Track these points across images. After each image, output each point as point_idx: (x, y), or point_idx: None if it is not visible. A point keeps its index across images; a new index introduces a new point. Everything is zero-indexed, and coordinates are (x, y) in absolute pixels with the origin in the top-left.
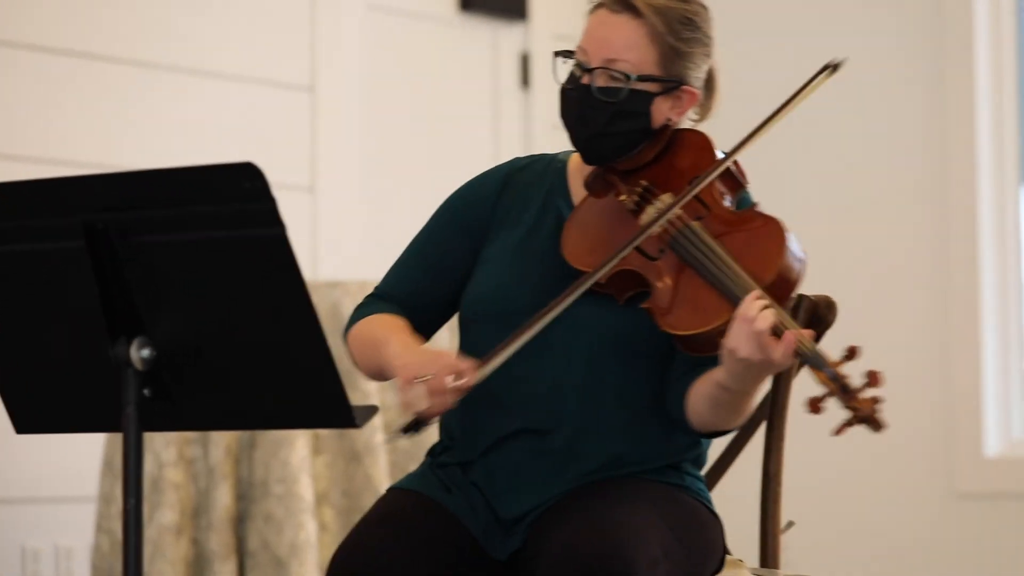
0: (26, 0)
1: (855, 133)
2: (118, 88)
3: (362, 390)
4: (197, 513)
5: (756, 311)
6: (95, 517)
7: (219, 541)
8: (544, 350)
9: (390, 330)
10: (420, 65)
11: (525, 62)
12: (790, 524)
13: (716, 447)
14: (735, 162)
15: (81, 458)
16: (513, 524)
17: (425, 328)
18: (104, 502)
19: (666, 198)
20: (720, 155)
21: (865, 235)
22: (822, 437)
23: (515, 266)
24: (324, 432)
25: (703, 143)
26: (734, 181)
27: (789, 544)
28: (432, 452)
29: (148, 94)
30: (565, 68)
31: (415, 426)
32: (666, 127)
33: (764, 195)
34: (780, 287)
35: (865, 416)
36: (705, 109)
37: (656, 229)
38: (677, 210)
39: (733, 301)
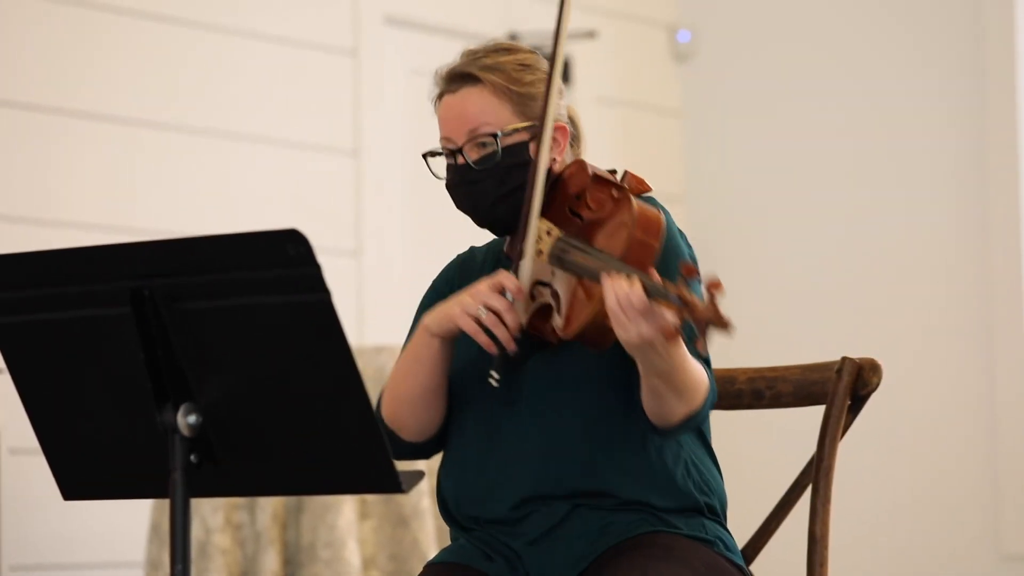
0: (75, 68)
1: (899, 191)
2: (163, 154)
3: None
4: None
5: (614, 296)
6: None
7: None
8: (516, 414)
9: (411, 340)
10: None
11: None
12: None
13: (760, 511)
14: (626, 173)
15: (128, 523)
16: None
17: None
18: (151, 568)
19: (543, 225)
20: (591, 168)
21: (910, 294)
22: (868, 499)
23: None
24: (371, 497)
25: (578, 166)
26: (610, 186)
27: None
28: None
29: (192, 160)
30: (439, 165)
31: (505, 360)
32: (551, 170)
33: (804, 258)
34: (637, 252)
35: (711, 319)
36: (578, 150)
37: (542, 258)
38: (555, 230)
39: (599, 280)
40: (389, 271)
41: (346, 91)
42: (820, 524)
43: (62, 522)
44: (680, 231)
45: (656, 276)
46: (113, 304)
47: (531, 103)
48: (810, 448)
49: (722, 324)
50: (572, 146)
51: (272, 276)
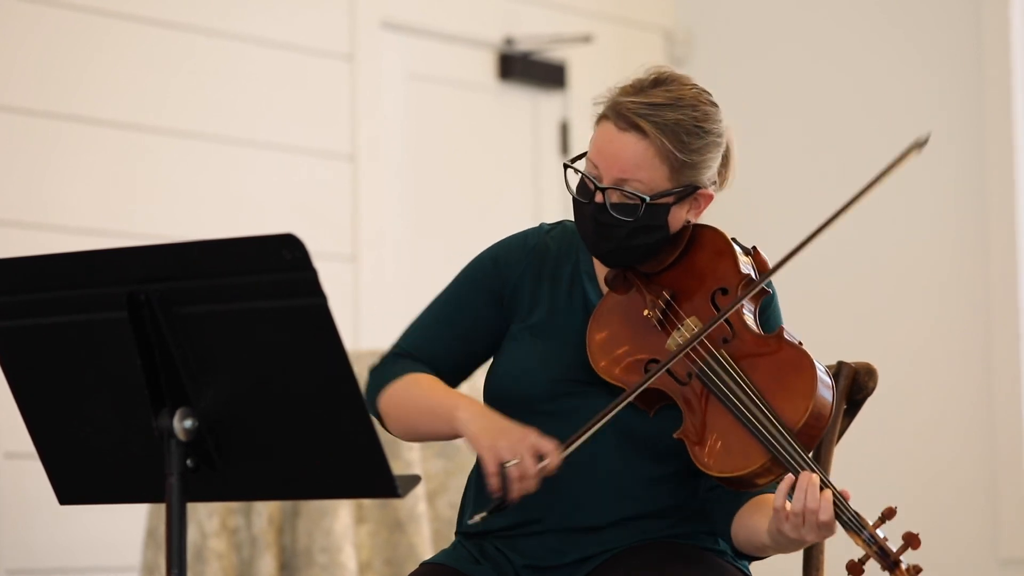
0: (72, 72)
1: (897, 197)
2: (159, 159)
3: (404, 459)
4: None
5: (804, 489)
6: None
7: None
8: (575, 463)
9: (445, 392)
10: (460, 133)
11: (565, 130)
12: None
13: None
14: (754, 265)
15: (124, 528)
16: None
17: None
18: (147, 572)
19: (691, 323)
20: (737, 249)
21: (906, 299)
22: (865, 503)
23: (540, 348)
24: (367, 501)
25: (721, 244)
26: (759, 291)
27: None
28: (458, 526)
29: (189, 164)
30: (574, 175)
31: (499, 508)
32: (684, 228)
33: (801, 262)
34: (812, 427)
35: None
36: (721, 181)
37: (679, 349)
38: (693, 321)
39: (768, 450)
40: (385, 276)
41: (343, 96)
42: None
43: (58, 526)
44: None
45: (847, 496)
46: (110, 308)
47: (689, 170)
48: None
49: None
50: (723, 168)
51: (268, 280)
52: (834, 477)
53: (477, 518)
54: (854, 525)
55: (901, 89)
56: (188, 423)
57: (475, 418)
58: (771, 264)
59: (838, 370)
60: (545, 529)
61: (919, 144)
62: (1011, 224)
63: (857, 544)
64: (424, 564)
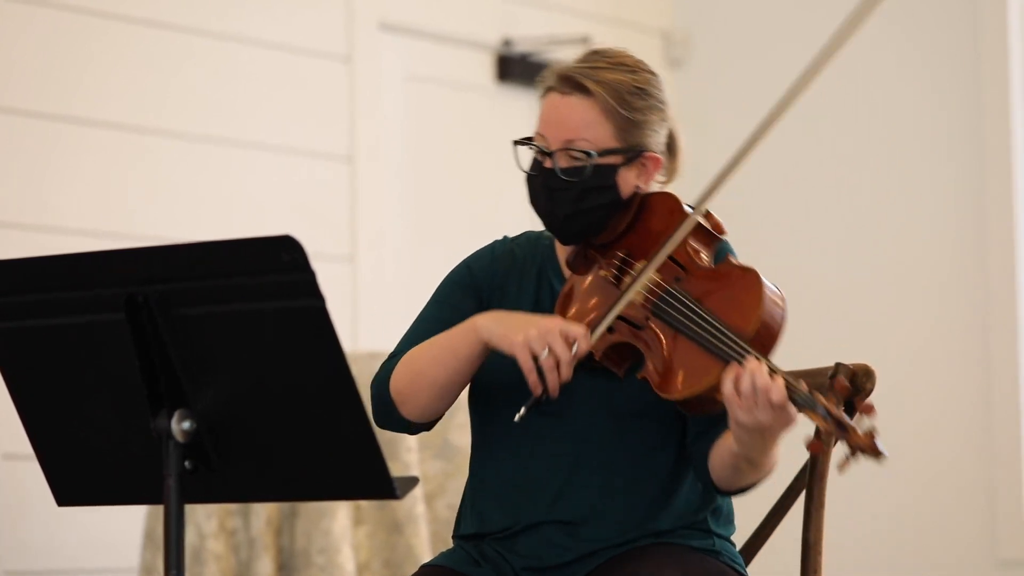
0: (70, 74)
1: (896, 199)
2: (157, 160)
3: (403, 461)
4: None
5: (752, 372)
6: None
7: None
8: (557, 431)
9: (449, 329)
10: (458, 134)
11: None
12: None
13: (755, 516)
14: (708, 214)
15: (122, 529)
16: None
17: None
18: (146, 573)
19: (640, 265)
20: (689, 210)
21: (905, 300)
22: (863, 504)
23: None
24: (365, 503)
25: (671, 204)
26: (708, 235)
27: None
28: (455, 530)
29: (187, 166)
30: (527, 155)
31: (539, 404)
32: (635, 195)
33: (799, 263)
34: (764, 336)
35: (862, 447)
36: (670, 171)
37: (637, 297)
38: (653, 275)
39: (722, 358)
40: (383, 277)
41: (341, 97)
42: (814, 530)
43: (56, 528)
44: None
45: (804, 384)
46: (108, 310)
47: (634, 129)
48: (804, 454)
49: (875, 454)
50: (671, 160)
51: (266, 282)
52: (833, 478)
53: (518, 416)
54: (807, 402)
55: (900, 90)
56: (186, 424)
57: (496, 321)
58: (719, 219)
59: (835, 371)
60: (542, 521)
61: None
62: (1009, 225)
63: (814, 421)
64: (424, 567)
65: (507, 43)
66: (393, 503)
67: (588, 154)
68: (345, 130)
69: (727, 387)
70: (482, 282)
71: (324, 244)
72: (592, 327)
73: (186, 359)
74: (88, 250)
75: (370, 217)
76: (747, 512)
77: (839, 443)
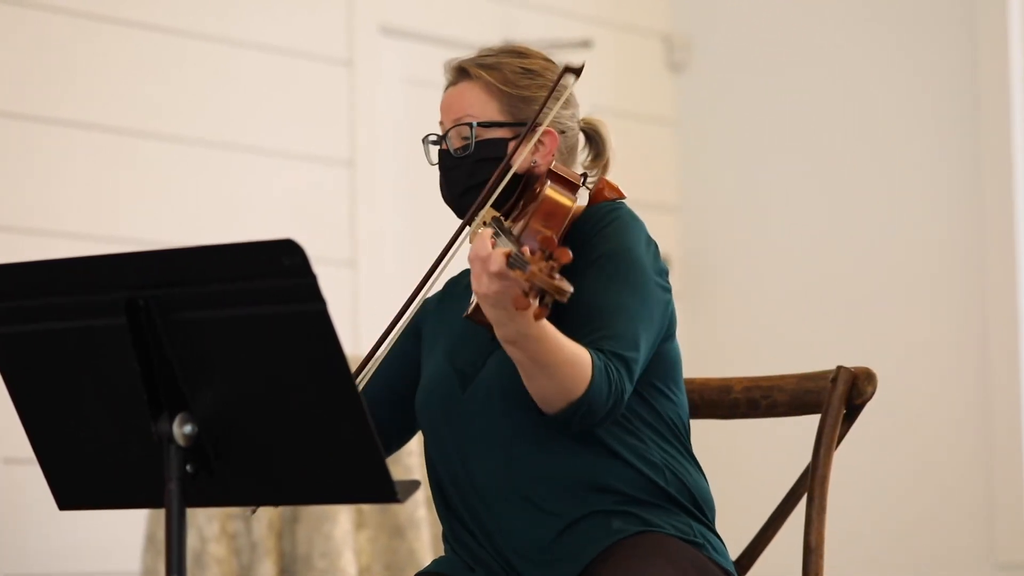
0: (69, 77)
1: (895, 201)
2: (158, 164)
3: (404, 465)
4: None
5: (473, 249)
6: None
7: None
8: (479, 410)
9: None
10: None
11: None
12: None
13: (756, 520)
14: (602, 180)
15: (124, 533)
16: None
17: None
18: None
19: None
20: (552, 170)
21: (905, 304)
22: (864, 508)
23: (451, 347)
24: (367, 507)
25: (547, 170)
26: (568, 184)
27: None
28: (444, 540)
29: (188, 170)
30: (433, 152)
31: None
32: (530, 170)
33: (800, 266)
34: (533, 233)
35: (540, 283)
36: (602, 164)
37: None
38: (489, 210)
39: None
40: (384, 281)
41: (341, 101)
42: (815, 533)
43: (58, 532)
44: (650, 239)
45: (527, 252)
46: (108, 314)
47: (522, 105)
48: (805, 457)
49: (554, 290)
50: (594, 160)
51: (268, 286)
52: (834, 481)
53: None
54: (515, 261)
55: (899, 95)
56: (187, 428)
57: None
58: (618, 192)
59: (836, 375)
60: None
61: (573, 70)
62: (1009, 229)
63: (520, 278)
64: (420, 574)
65: None
66: (395, 507)
67: (471, 126)
68: (345, 134)
69: (469, 254)
70: (425, 317)
71: (324, 248)
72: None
73: (187, 363)
74: (89, 254)
75: (370, 221)
76: (749, 515)
77: (545, 295)
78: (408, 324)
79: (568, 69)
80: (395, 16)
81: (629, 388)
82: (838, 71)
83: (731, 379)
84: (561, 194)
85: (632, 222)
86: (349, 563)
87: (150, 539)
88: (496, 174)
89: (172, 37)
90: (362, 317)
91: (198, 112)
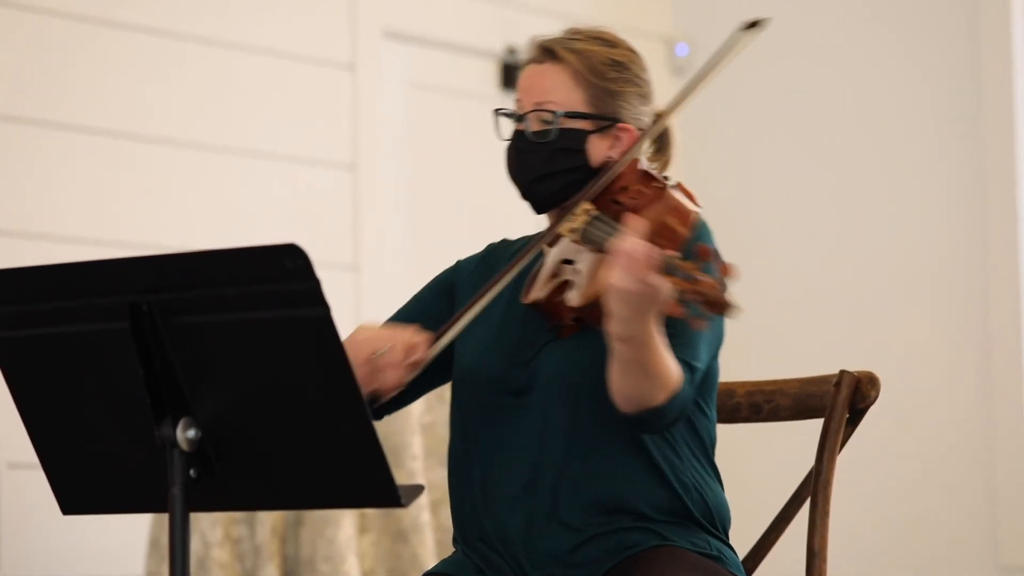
0: (70, 81)
1: (897, 203)
2: (161, 168)
3: (407, 469)
4: None
5: (628, 244)
6: None
7: None
8: (522, 405)
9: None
10: (462, 142)
11: None
12: None
13: (759, 524)
14: (679, 185)
15: (127, 538)
16: None
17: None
18: None
19: (583, 206)
20: (641, 167)
21: (908, 308)
22: (867, 512)
23: (495, 334)
24: (370, 511)
25: (631, 163)
26: (652, 179)
27: None
28: (455, 541)
29: (190, 174)
30: (508, 127)
31: (371, 402)
32: (605, 164)
33: (801, 269)
34: (663, 232)
35: (711, 298)
36: (663, 160)
37: (571, 233)
38: (586, 206)
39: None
40: (387, 285)
41: (344, 105)
42: (819, 537)
43: (61, 537)
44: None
45: (687, 264)
46: (112, 319)
47: (607, 98)
48: (808, 461)
49: (724, 305)
50: (657, 153)
51: (271, 291)
52: (836, 484)
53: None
54: (667, 266)
55: (901, 97)
56: (191, 433)
57: (361, 329)
58: (694, 200)
59: (839, 379)
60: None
61: (753, 24)
62: (1011, 232)
63: (674, 283)
64: (427, 574)
65: (511, 51)
66: (398, 511)
67: (555, 114)
68: (348, 138)
69: (618, 246)
70: (461, 278)
71: (327, 252)
72: (439, 336)
73: (190, 367)
74: (90, 259)
75: (373, 225)
76: (752, 520)
77: (701, 304)
78: (441, 282)
79: (750, 26)
80: (398, 20)
81: (692, 399)
82: (840, 73)
83: (734, 383)
84: (686, 202)
85: (712, 236)
86: (352, 567)
87: (153, 544)
88: (608, 176)
89: (176, 41)
90: (364, 321)
91: (201, 116)
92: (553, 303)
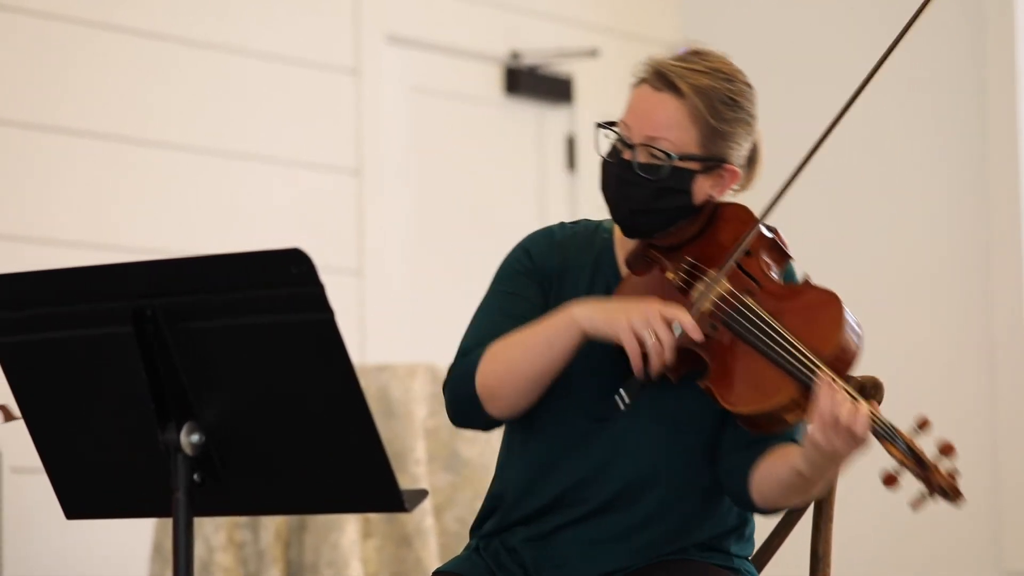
0: (71, 85)
1: (899, 206)
2: (163, 173)
3: (411, 473)
4: None
5: (838, 402)
6: None
7: None
8: (601, 431)
9: (540, 320)
10: (466, 147)
11: (571, 144)
12: None
13: (764, 528)
14: (776, 233)
15: (130, 542)
16: None
17: None
18: None
19: (714, 273)
20: (762, 228)
21: (911, 312)
22: (870, 516)
23: (587, 375)
24: (374, 516)
25: (744, 215)
26: (779, 252)
27: None
28: (475, 527)
29: (193, 178)
30: (606, 141)
31: (641, 388)
32: (707, 203)
33: (808, 271)
34: (840, 361)
35: (943, 489)
36: (746, 181)
37: (708, 305)
38: (726, 284)
39: (797, 378)
40: (391, 290)
41: (348, 110)
42: (823, 542)
43: (64, 541)
44: None
45: (879, 411)
46: (115, 323)
47: (719, 139)
48: None
49: (954, 498)
50: (748, 168)
51: (275, 295)
52: (839, 486)
53: (624, 405)
54: (887, 433)
55: (904, 99)
56: (194, 437)
57: (595, 310)
58: (786, 239)
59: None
60: (582, 516)
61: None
62: (1015, 234)
63: (892, 454)
64: (436, 573)
65: (515, 55)
66: (402, 516)
67: (668, 155)
68: (352, 143)
69: (824, 408)
70: (542, 266)
71: (331, 257)
72: (694, 304)
73: (194, 372)
74: (91, 263)
75: (377, 229)
76: (756, 524)
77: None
78: (520, 272)
79: None
80: (401, 25)
81: None
82: (843, 77)
83: None
84: (820, 290)
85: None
86: (356, 572)
87: (157, 548)
88: (735, 253)
89: (179, 46)
90: (369, 326)
91: (204, 120)
92: (670, 367)
